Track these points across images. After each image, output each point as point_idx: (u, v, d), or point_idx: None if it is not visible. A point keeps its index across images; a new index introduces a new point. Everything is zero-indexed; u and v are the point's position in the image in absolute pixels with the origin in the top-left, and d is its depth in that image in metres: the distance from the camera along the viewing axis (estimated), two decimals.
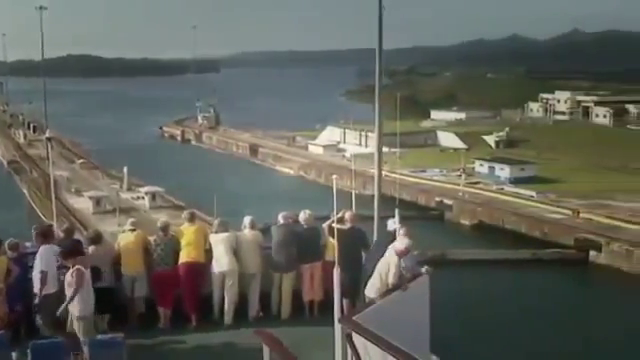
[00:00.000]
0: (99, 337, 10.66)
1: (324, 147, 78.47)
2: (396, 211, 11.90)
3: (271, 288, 12.91)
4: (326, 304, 11.59)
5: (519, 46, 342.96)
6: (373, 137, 79.94)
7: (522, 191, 49.82)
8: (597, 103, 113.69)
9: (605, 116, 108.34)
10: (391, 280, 10.22)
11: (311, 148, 79.57)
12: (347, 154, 69.09)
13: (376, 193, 13.38)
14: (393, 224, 11.68)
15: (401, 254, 10.36)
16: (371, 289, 10.55)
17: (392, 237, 11.10)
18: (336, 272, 9.73)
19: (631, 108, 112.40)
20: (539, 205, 46.26)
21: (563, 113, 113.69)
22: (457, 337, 23.18)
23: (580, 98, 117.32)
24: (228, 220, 13.56)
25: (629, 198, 46.55)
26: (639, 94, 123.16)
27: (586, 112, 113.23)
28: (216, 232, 12.93)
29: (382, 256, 10.75)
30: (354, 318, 8.83)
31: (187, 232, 12.82)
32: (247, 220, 13.08)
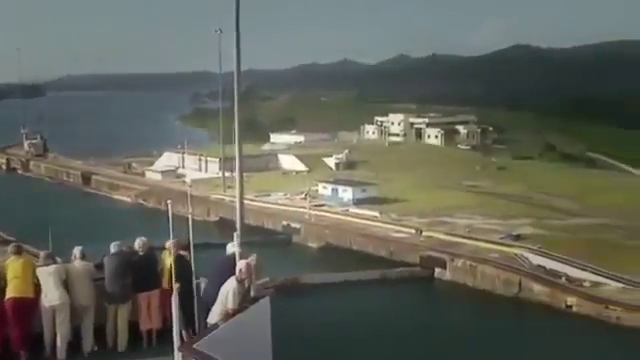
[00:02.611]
0: None
1: (162, 173, 77.02)
2: (234, 234, 11.87)
3: (106, 320, 12.32)
4: (165, 333, 11.25)
5: (350, 70, 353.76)
6: (213, 162, 79.34)
7: (366, 212, 50.92)
8: (428, 124, 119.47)
9: (437, 137, 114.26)
10: (231, 305, 10.16)
11: (149, 174, 77.85)
12: (187, 179, 68.17)
13: (238, 216, 13.25)
14: (232, 247, 11.57)
15: (240, 278, 10.34)
16: (214, 315, 10.48)
17: (232, 261, 10.96)
18: (174, 299, 9.47)
19: (460, 129, 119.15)
20: (383, 225, 47.37)
21: (397, 135, 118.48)
22: None
23: (412, 120, 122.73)
24: (61, 253, 12.85)
25: (465, 215, 48.69)
26: (465, 115, 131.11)
27: (419, 133, 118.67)
28: (44, 265, 12.18)
29: (224, 281, 10.63)
30: (194, 345, 8.61)
31: (13, 266, 12.09)
32: (77, 250, 12.54)
